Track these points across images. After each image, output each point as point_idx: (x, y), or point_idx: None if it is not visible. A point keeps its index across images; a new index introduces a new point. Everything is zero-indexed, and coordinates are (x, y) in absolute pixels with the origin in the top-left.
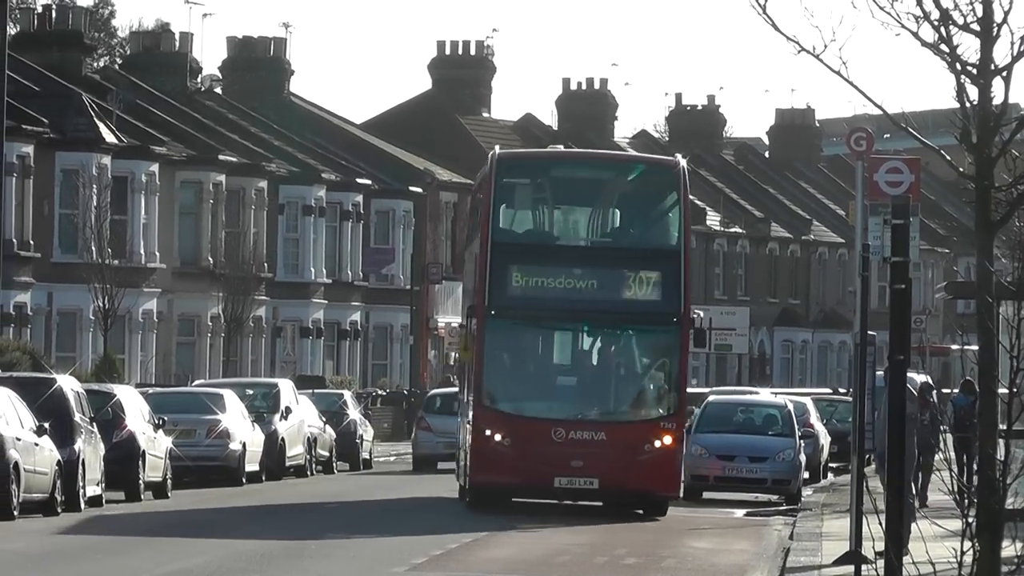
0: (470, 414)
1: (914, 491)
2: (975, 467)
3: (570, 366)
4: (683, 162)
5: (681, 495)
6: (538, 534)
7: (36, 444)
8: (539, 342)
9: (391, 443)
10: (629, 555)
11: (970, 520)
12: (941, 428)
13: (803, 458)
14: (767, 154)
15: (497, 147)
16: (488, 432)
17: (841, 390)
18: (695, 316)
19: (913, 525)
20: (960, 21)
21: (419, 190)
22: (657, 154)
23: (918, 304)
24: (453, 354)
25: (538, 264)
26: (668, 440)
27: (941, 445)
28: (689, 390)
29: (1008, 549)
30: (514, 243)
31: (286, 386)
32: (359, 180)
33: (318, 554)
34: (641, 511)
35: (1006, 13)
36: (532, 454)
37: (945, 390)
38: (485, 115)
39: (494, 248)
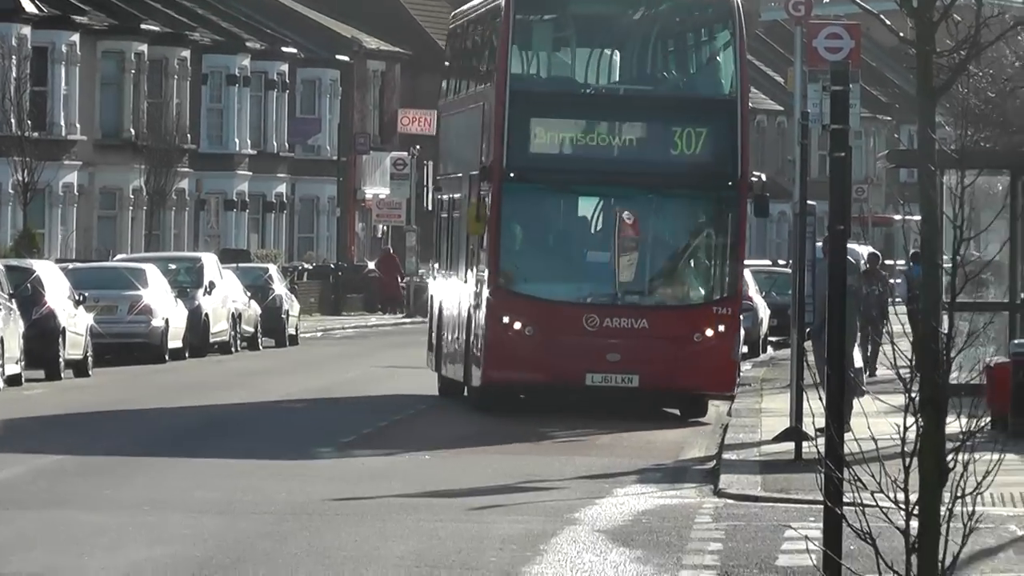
0: (481, 298)
1: (856, 364)
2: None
3: (604, 240)
4: None
5: (735, 393)
6: (473, 413)
7: None
8: (567, 211)
9: (318, 318)
10: (561, 433)
11: (913, 395)
12: (891, 300)
13: (741, 332)
14: None
15: None
16: (506, 319)
17: (781, 262)
18: (754, 179)
19: (855, 401)
20: None
21: (346, 59)
22: None
23: (859, 173)
24: (381, 227)
25: (565, 116)
26: (722, 328)
27: (889, 317)
28: None
29: (952, 425)
30: (536, 92)
31: (210, 260)
32: (284, 49)
33: (244, 431)
34: (678, 411)
35: None
36: (559, 346)
37: (888, 261)
38: None
39: (512, 98)
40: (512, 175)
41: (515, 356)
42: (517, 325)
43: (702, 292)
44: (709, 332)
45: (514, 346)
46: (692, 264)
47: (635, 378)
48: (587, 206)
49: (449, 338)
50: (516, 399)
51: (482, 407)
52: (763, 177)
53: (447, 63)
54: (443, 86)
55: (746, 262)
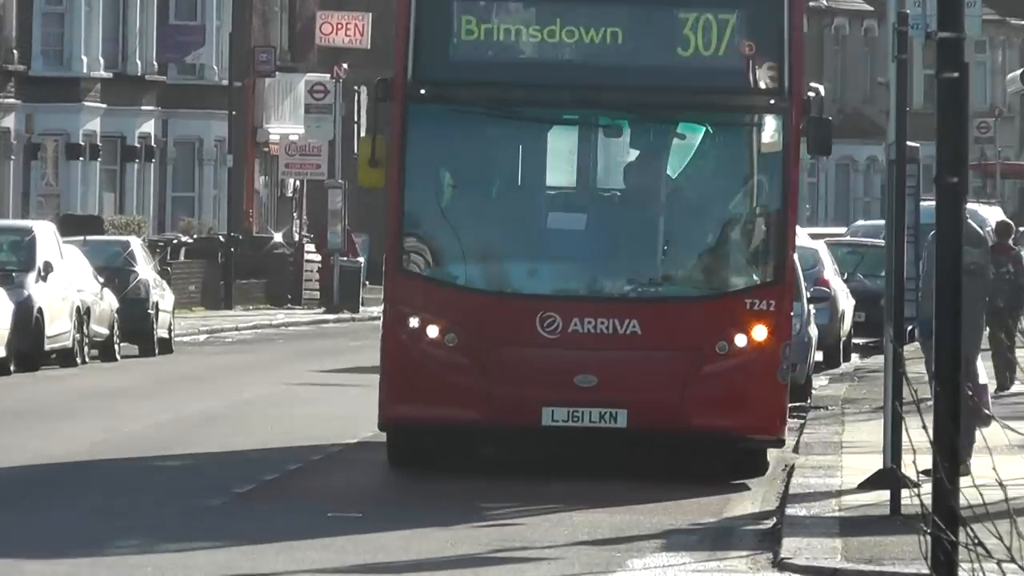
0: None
1: (980, 380)
2: None
3: (574, 195)
4: None
5: (785, 436)
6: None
7: None
8: (513, 149)
9: (201, 314)
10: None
11: None
12: None
13: (813, 332)
14: None
15: None
16: (413, 322)
17: None
18: (810, 95)
19: (977, 431)
20: None
21: None
22: None
23: (982, 102)
24: (293, 181)
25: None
26: (761, 331)
27: None
28: None
29: None
30: None
31: (45, 232)
32: None
33: (95, 478)
34: (724, 464)
35: None
36: (500, 364)
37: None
38: None
39: None
40: (423, 91)
41: (429, 381)
42: (432, 331)
43: (729, 276)
44: (740, 339)
45: (427, 364)
46: (712, 231)
47: (621, 414)
48: (545, 142)
49: None
50: (441, 451)
51: (394, 461)
52: (821, 91)
53: None
54: None
55: (822, 230)
